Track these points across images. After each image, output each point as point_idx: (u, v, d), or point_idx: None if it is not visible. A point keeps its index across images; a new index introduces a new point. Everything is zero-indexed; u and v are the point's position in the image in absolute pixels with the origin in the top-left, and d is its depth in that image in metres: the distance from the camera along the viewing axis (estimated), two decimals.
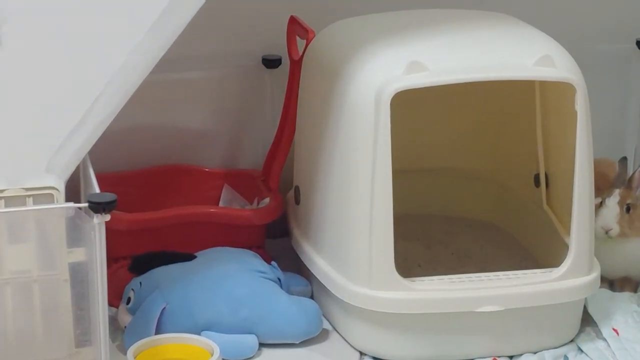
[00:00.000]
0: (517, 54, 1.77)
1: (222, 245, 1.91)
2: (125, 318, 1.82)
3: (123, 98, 1.59)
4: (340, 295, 1.79)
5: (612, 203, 1.94)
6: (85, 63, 1.57)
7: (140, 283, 1.83)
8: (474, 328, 1.77)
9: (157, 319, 1.76)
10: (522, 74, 1.77)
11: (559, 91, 1.81)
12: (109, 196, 1.54)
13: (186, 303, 1.78)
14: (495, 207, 2.12)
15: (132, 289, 1.83)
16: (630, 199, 1.95)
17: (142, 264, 1.85)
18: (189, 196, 2.09)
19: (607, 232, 1.93)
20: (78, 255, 1.59)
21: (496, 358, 1.78)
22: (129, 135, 2.07)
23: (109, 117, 1.59)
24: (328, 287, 1.83)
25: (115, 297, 1.85)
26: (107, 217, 1.54)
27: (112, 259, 1.91)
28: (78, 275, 1.61)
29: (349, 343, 1.83)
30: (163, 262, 1.84)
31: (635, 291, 1.97)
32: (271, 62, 2.13)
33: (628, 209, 1.95)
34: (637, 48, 2.28)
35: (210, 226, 1.96)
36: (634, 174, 1.98)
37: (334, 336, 1.85)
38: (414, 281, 1.75)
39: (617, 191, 1.96)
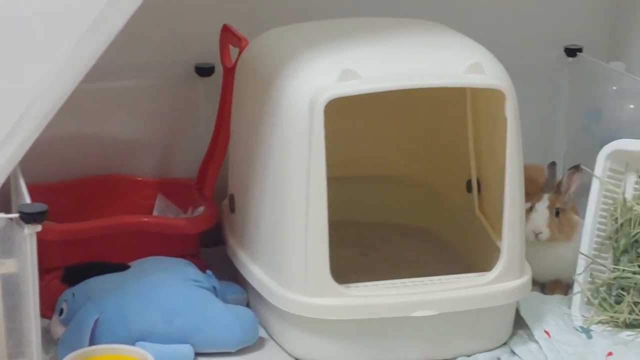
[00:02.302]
0: (448, 61, 1.79)
1: (156, 255, 1.90)
2: (58, 330, 1.80)
3: (53, 107, 1.58)
4: (276, 302, 1.79)
5: (542, 207, 1.97)
6: (15, 72, 1.55)
7: (73, 294, 1.81)
8: (408, 333, 1.78)
9: (90, 330, 1.74)
10: (452, 81, 1.79)
11: (489, 98, 1.83)
12: (40, 206, 1.52)
13: (120, 313, 1.77)
14: (429, 213, 2.13)
15: (65, 300, 1.81)
16: (559, 204, 1.99)
17: (75, 274, 1.83)
18: (122, 206, 2.08)
19: (537, 236, 1.95)
20: (9, 266, 1.57)
21: None
22: (61, 144, 2.05)
23: (39, 127, 1.57)
24: (263, 295, 1.82)
25: (48, 308, 1.82)
26: (39, 228, 1.53)
27: (44, 270, 1.88)
28: (9, 287, 1.59)
29: (285, 351, 1.83)
30: (96, 272, 1.83)
31: (566, 294, 2.00)
32: (204, 71, 2.13)
33: (557, 213, 1.98)
34: (565, 55, 2.32)
35: (144, 236, 1.95)
36: (562, 179, 2.02)
37: (270, 344, 1.85)
38: (349, 287, 1.76)
39: (546, 196, 1.99)
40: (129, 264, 1.87)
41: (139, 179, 2.12)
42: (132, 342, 1.76)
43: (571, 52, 2.32)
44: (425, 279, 1.80)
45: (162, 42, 2.11)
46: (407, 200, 2.16)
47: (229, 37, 2.00)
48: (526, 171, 1.84)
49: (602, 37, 2.37)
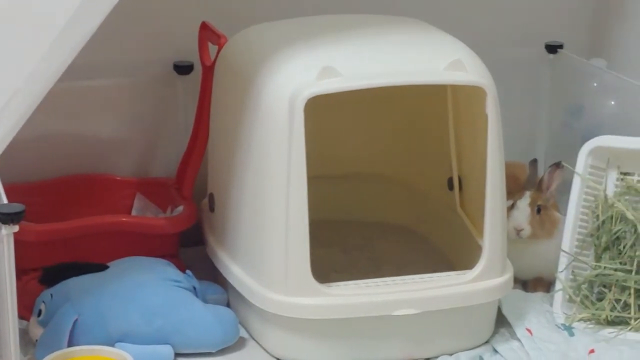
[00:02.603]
0: (428, 58, 1.79)
1: (135, 255, 1.89)
2: (36, 331, 1.79)
3: (30, 107, 1.56)
4: (257, 302, 1.78)
5: (523, 205, 1.97)
6: None
7: (51, 295, 1.80)
8: (390, 331, 1.78)
9: (69, 331, 1.73)
10: (433, 78, 1.78)
11: (470, 95, 1.83)
12: (17, 207, 1.51)
13: (99, 314, 1.76)
14: (410, 211, 2.13)
15: (43, 301, 1.80)
16: (540, 201, 1.99)
17: (53, 275, 1.82)
18: (101, 206, 2.07)
19: (518, 233, 1.95)
20: None
21: None
22: (39, 144, 2.04)
23: (16, 127, 1.56)
24: (244, 295, 1.82)
25: (26, 309, 1.81)
26: (16, 228, 1.52)
27: (21, 271, 1.88)
28: None
29: (266, 350, 1.82)
30: (74, 273, 1.82)
31: (547, 291, 2.00)
32: (183, 69, 2.11)
33: (539, 210, 1.98)
34: (546, 52, 2.32)
35: (123, 236, 1.94)
36: (543, 176, 2.01)
37: (251, 344, 1.84)
38: (330, 286, 1.75)
39: (528, 193, 1.99)
40: (108, 264, 1.85)
41: (118, 178, 2.11)
42: (111, 343, 1.75)
43: (552, 48, 2.32)
44: (407, 278, 1.79)
45: (140, 40, 2.10)
46: (388, 198, 2.16)
47: (207, 34, 1.99)
48: (507, 168, 1.84)
49: (583, 34, 2.37)
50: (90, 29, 1.55)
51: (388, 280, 1.79)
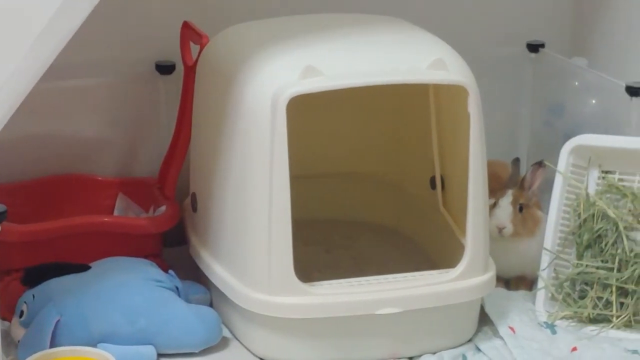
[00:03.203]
0: (411, 57, 1.79)
1: (118, 255, 1.89)
2: (18, 332, 1.78)
3: (11, 107, 1.56)
4: (240, 302, 1.78)
5: (506, 203, 1.97)
6: None
7: (33, 296, 1.79)
8: (374, 330, 1.78)
9: (51, 332, 1.72)
10: (415, 77, 1.78)
11: (452, 94, 1.83)
12: None
13: (81, 315, 1.75)
14: (393, 210, 2.13)
15: (25, 302, 1.79)
16: (522, 199, 1.99)
17: (35, 276, 1.82)
18: (83, 206, 2.06)
19: (501, 232, 1.96)
20: None
21: None
22: (21, 144, 2.03)
23: None
24: (227, 294, 1.81)
25: (8, 310, 1.81)
26: None
27: (3, 272, 1.87)
28: None
29: (249, 350, 1.82)
30: (56, 273, 1.81)
31: (530, 289, 2.01)
32: (165, 68, 2.11)
33: (521, 209, 1.98)
34: (528, 51, 2.33)
35: (105, 236, 1.93)
36: (526, 174, 2.02)
37: (234, 344, 1.84)
38: (314, 286, 1.75)
39: (510, 191, 1.99)
40: (90, 264, 1.85)
41: (100, 178, 2.10)
42: (93, 344, 1.74)
43: (533, 47, 2.32)
44: (390, 277, 1.79)
45: (122, 40, 2.09)
46: (371, 197, 2.16)
47: (189, 34, 1.99)
48: (490, 167, 1.84)
49: (564, 33, 2.38)
50: (72, 28, 1.54)
51: (371, 279, 1.79)
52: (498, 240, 1.94)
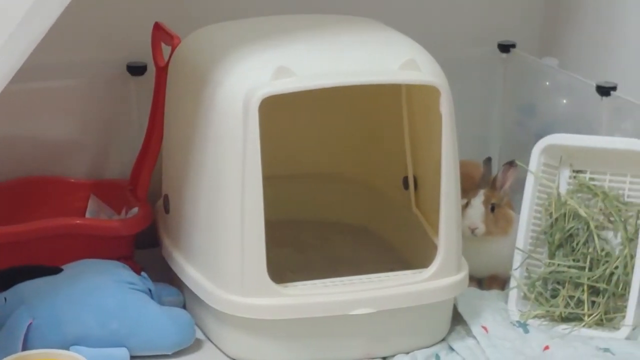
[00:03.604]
0: (383, 58, 1.79)
1: (90, 257, 1.88)
2: None
3: None
4: (212, 303, 1.77)
5: (478, 203, 1.98)
6: None
7: (5, 299, 1.78)
8: (347, 331, 1.78)
9: (23, 335, 1.71)
10: (387, 78, 1.79)
11: (424, 94, 1.84)
12: None
13: (53, 318, 1.74)
14: (366, 210, 2.13)
15: None
16: (494, 199, 2.00)
17: (6, 279, 1.81)
18: (54, 208, 2.05)
19: (473, 232, 1.96)
20: None
21: None
22: None
23: None
24: (200, 296, 1.81)
25: None
26: None
27: None
28: None
29: (222, 352, 1.81)
30: (28, 276, 1.80)
31: (502, 289, 2.02)
32: (136, 69, 2.10)
33: (493, 209, 1.99)
34: (499, 51, 2.34)
35: (77, 238, 1.92)
36: (497, 174, 2.03)
37: (207, 345, 1.83)
38: (287, 287, 1.75)
39: (482, 191, 2.00)
40: (62, 267, 1.84)
41: (71, 180, 2.10)
42: (66, 347, 1.73)
43: (504, 48, 2.33)
44: (363, 277, 1.79)
45: (93, 41, 2.08)
46: (344, 198, 2.16)
47: (161, 35, 1.98)
48: (462, 167, 1.85)
49: (535, 33, 2.39)
50: (42, 30, 1.53)
51: (344, 279, 1.79)
52: (471, 240, 1.95)
